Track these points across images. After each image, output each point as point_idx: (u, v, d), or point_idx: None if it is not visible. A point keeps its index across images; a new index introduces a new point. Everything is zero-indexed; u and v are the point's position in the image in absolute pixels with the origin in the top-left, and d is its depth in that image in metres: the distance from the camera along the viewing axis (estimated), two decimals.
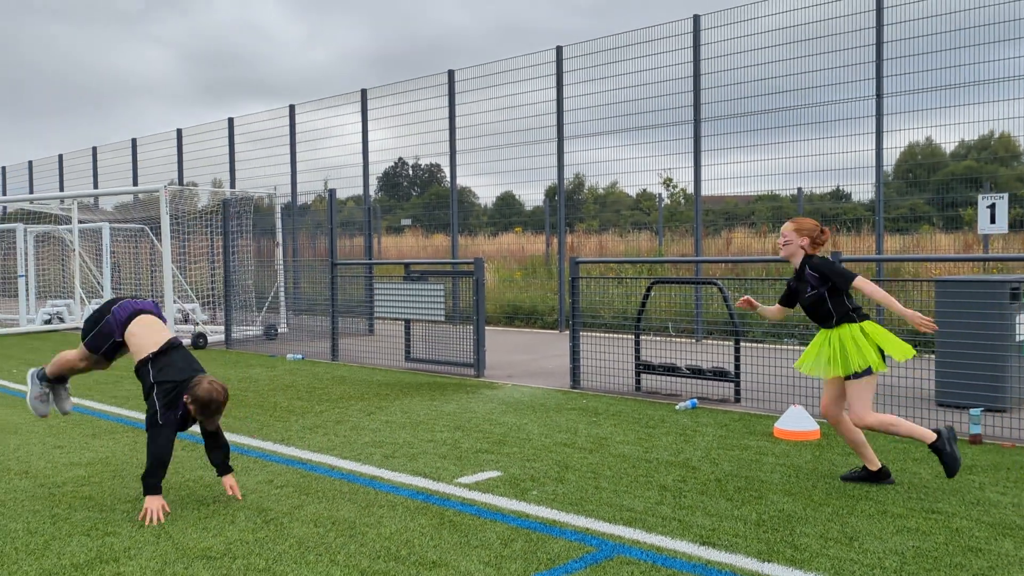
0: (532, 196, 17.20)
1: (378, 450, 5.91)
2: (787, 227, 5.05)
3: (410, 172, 29.51)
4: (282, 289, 14.64)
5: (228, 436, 5.46)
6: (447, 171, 16.53)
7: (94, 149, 23.65)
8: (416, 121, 16.78)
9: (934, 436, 4.73)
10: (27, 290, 16.77)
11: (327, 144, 18.49)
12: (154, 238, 17.87)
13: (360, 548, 3.94)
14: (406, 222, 20.06)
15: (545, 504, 4.60)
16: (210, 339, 13.20)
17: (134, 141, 22.45)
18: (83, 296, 16.76)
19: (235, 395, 8.27)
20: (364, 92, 17.29)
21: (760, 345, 9.24)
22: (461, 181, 17.20)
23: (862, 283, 4.76)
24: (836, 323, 4.89)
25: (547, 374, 9.55)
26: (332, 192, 12.10)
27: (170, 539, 4.08)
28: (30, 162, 26.07)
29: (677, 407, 7.30)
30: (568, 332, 8.96)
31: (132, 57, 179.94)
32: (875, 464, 4.91)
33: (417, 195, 27.72)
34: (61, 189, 24.25)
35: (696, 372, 7.98)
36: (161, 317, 4.99)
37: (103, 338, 4.90)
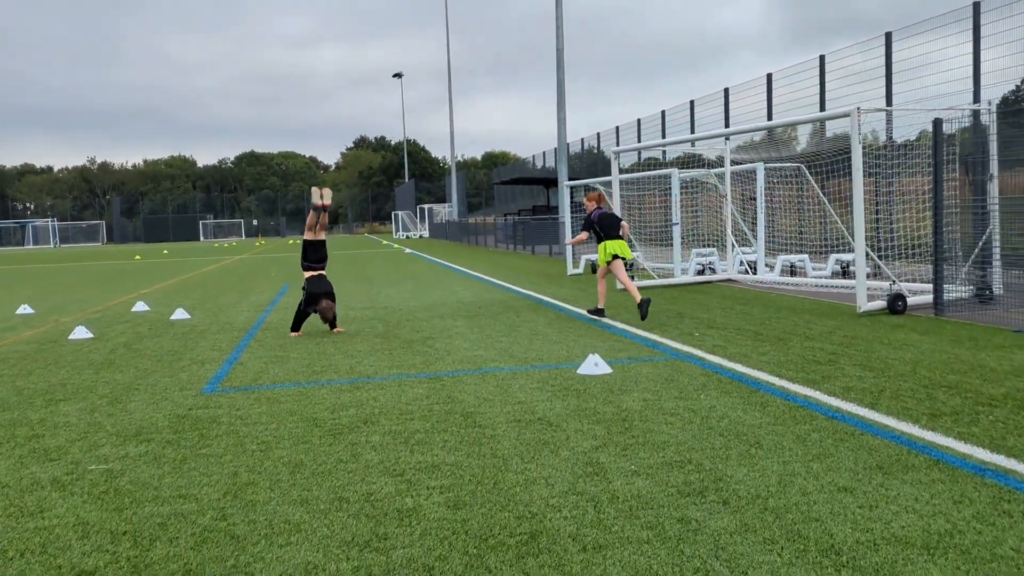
0: None
1: None
2: None
3: None
4: (996, 236, 11.00)
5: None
6: None
7: (726, 91, 22.45)
8: None
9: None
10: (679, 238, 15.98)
11: (923, 74, 14.65)
12: (809, 177, 15.62)
13: None
14: None
15: None
16: (910, 301, 10.26)
17: (768, 76, 20.56)
18: (734, 243, 15.32)
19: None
20: (976, 6, 13.07)
21: None
22: None
23: None
24: None
25: None
26: None
27: None
28: (663, 112, 26.22)
29: None
30: None
31: (727, 15, 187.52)
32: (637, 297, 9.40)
33: None
34: (692, 133, 23.70)
35: None
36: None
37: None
